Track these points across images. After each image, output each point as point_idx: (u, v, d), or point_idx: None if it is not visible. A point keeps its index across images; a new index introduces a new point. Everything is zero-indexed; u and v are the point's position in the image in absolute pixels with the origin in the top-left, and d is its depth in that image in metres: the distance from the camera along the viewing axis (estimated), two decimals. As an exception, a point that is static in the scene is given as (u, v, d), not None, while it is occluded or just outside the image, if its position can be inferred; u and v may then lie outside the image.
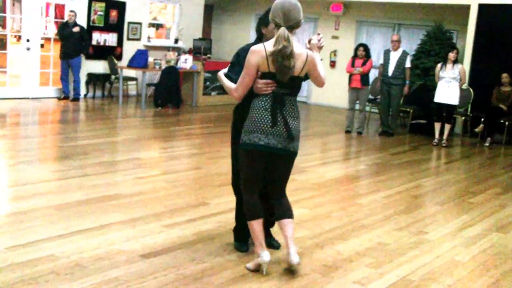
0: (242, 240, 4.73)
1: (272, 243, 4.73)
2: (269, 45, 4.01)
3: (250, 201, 4.22)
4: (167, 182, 6.72)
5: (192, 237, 4.91)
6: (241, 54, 4.32)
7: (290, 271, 4.27)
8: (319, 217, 5.75)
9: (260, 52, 4.02)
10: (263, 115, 4.06)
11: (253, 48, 4.06)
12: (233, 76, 4.28)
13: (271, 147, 4.07)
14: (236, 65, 4.33)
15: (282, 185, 4.36)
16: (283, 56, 3.95)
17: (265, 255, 4.17)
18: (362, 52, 11.01)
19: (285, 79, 4.05)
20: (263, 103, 4.08)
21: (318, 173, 7.71)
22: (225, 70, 4.42)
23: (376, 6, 14.23)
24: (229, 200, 6.05)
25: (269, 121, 4.05)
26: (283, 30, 3.97)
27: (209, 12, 16.53)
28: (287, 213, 4.29)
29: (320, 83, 4.31)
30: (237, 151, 4.30)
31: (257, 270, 4.25)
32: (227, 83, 4.25)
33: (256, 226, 4.19)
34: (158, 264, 4.27)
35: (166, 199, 5.97)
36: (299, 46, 4.09)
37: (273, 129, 4.06)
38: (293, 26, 4.04)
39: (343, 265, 4.53)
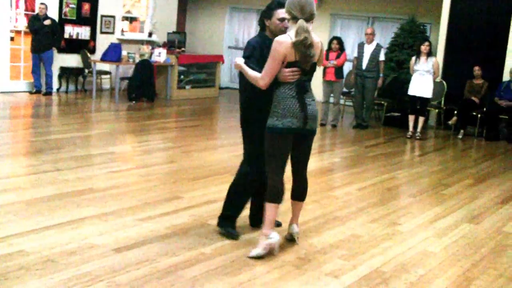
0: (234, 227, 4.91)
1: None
2: (293, 36, 4.28)
3: (278, 185, 4.49)
4: (140, 176, 6.68)
5: (165, 230, 4.89)
6: (256, 46, 4.56)
7: (292, 240, 4.79)
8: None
9: (287, 43, 4.29)
10: (292, 102, 4.38)
11: (279, 39, 4.30)
12: (254, 66, 4.47)
13: (302, 129, 4.43)
14: (253, 57, 4.53)
15: (307, 164, 4.75)
16: (304, 45, 4.28)
17: (276, 235, 4.49)
18: (336, 45, 11.05)
19: (307, 67, 4.41)
20: (289, 91, 4.39)
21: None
22: (240, 58, 4.55)
23: (351, 0, 14.28)
24: (203, 193, 6.07)
25: (298, 107, 4.38)
26: (302, 22, 4.27)
27: (183, 5, 16.43)
28: (304, 196, 4.78)
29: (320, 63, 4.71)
30: (261, 136, 4.51)
31: (268, 253, 4.46)
32: (251, 72, 4.44)
33: (274, 209, 4.49)
34: (131, 257, 4.24)
35: (140, 193, 5.94)
36: (314, 35, 4.43)
37: (302, 113, 4.40)
38: (308, 18, 4.33)
39: (316, 257, 4.55)
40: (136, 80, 12.34)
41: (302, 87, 4.43)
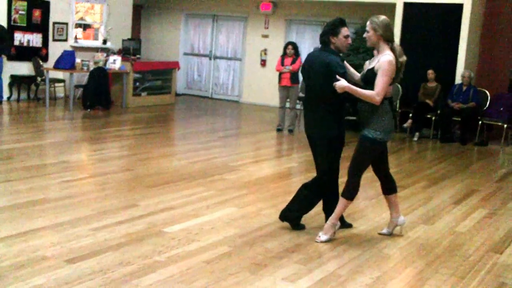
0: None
1: (346, 224, 5.48)
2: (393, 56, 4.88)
3: (358, 185, 5.05)
4: (95, 184, 6.58)
5: (120, 239, 4.82)
6: (343, 64, 5.07)
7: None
8: (249, 215, 5.75)
9: (395, 62, 4.86)
10: (390, 116, 5.01)
11: (392, 59, 4.84)
12: (358, 83, 5.04)
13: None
14: (346, 74, 5.08)
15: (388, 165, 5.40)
16: (403, 65, 4.97)
17: (339, 224, 5.21)
18: (291, 50, 11.09)
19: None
20: (387, 106, 4.95)
21: (249, 172, 7.71)
22: (344, 81, 4.87)
23: (304, 5, 14.39)
24: (158, 201, 6.01)
25: (392, 120, 5.06)
26: (397, 45, 4.98)
27: (138, 12, 16.32)
28: (396, 188, 5.42)
29: None
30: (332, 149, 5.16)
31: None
32: (363, 91, 4.86)
33: (347, 205, 5.12)
34: (84, 268, 4.17)
35: (95, 202, 5.85)
36: None
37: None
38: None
39: (272, 262, 4.54)
40: (91, 88, 12.17)
41: (391, 102, 5.04)
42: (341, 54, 5.17)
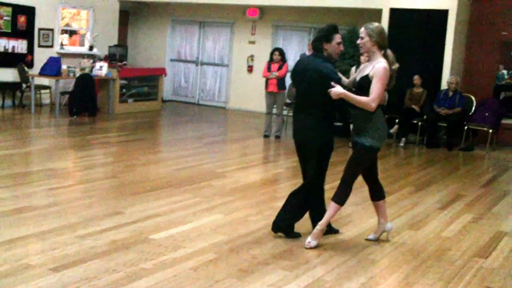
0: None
1: (333, 229, 5.49)
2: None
3: (351, 191, 5.10)
4: (81, 192, 6.55)
5: (106, 247, 4.79)
6: (336, 71, 5.11)
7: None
8: (235, 221, 5.74)
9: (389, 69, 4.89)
10: (385, 123, 5.07)
11: (386, 66, 4.86)
12: (353, 90, 5.03)
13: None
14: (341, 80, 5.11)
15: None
16: (396, 72, 4.99)
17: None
18: (278, 57, 11.11)
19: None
20: (381, 113, 4.98)
21: (236, 178, 7.70)
22: (339, 87, 4.88)
23: (291, 11, 14.41)
24: (145, 208, 5.98)
25: (386, 127, 5.11)
26: (391, 52, 5.00)
27: (124, 18, 16.28)
28: (384, 194, 5.45)
29: None
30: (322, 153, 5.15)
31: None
32: (359, 97, 4.86)
33: (338, 210, 5.13)
34: (70, 276, 4.13)
35: (80, 209, 5.81)
36: None
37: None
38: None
39: (258, 269, 4.53)
40: (77, 94, 12.11)
41: (383, 109, 5.05)
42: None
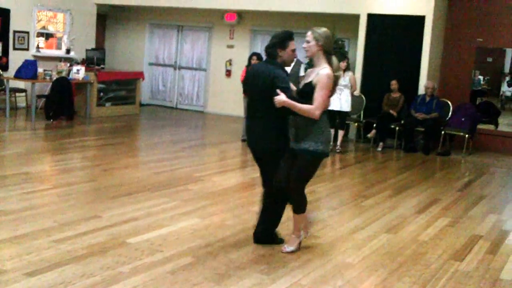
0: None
1: (278, 239, 5.32)
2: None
3: (305, 197, 5.07)
4: (58, 196, 6.48)
5: (82, 251, 4.75)
6: (287, 78, 4.97)
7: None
8: (212, 225, 5.72)
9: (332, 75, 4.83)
10: (329, 128, 4.99)
11: (330, 72, 4.80)
12: (297, 98, 4.87)
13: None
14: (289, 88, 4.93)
15: None
16: (338, 79, 4.92)
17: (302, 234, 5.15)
18: (256, 61, 11.10)
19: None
20: (326, 118, 4.89)
21: (213, 182, 7.68)
22: (283, 95, 4.76)
23: (269, 15, 14.44)
24: (122, 212, 5.94)
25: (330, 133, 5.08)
26: (336, 59, 4.93)
27: (102, 22, 16.18)
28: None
29: None
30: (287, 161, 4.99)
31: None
32: (302, 106, 4.78)
33: (305, 216, 5.09)
34: (44, 281, 4.09)
35: (56, 213, 5.75)
36: None
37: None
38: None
39: (236, 273, 4.52)
40: (53, 98, 11.99)
41: (326, 113, 4.93)
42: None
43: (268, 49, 5.09)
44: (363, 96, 12.07)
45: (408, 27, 11.86)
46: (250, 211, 6.38)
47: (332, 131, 10.94)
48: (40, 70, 12.04)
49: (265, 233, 5.26)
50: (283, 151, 5.03)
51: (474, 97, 13.24)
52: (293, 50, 5.05)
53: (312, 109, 4.74)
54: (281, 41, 5.01)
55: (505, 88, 14.56)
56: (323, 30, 4.93)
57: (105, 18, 16.52)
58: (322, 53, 4.88)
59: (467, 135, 11.27)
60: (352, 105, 10.98)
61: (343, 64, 10.69)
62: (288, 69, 11.11)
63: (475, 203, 7.59)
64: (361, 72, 12.23)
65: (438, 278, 4.76)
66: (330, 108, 10.62)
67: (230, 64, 15.14)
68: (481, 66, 13.74)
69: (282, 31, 5.13)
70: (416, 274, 4.81)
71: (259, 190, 7.48)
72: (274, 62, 5.04)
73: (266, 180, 5.20)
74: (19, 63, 12.21)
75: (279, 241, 5.27)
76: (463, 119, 11.47)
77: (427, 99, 11.42)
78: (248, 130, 5.27)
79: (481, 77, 14.65)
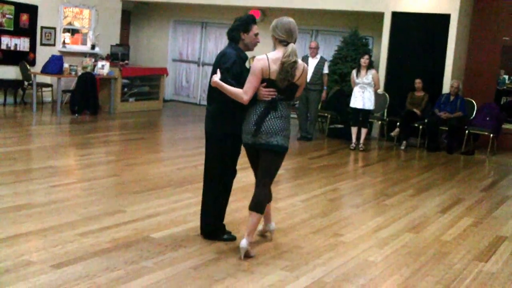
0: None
1: (230, 236, 5.20)
2: (272, 56, 4.65)
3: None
4: (82, 190, 6.55)
5: (106, 244, 4.80)
6: (237, 60, 4.82)
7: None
8: (235, 222, 5.74)
9: (264, 61, 4.63)
10: (253, 118, 4.68)
11: (258, 57, 4.64)
12: (231, 81, 4.72)
13: (253, 143, 4.73)
14: (231, 70, 4.78)
15: (263, 176, 4.88)
16: (292, 67, 4.62)
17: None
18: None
19: (283, 86, 4.65)
20: (259, 108, 4.67)
21: (237, 178, 7.64)
22: (218, 75, 4.73)
23: (293, 13, 14.38)
24: (145, 207, 5.99)
25: (253, 123, 4.67)
26: (293, 46, 4.67)
27: (126, 18, 16.30)
28: (253, 206, 4.80)
29: (300, 92, 5.00)
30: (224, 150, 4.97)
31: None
32: (231, 89, 4.68)
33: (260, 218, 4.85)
34: (70, 273, 4.14)
35: (81, 207, 5.82)
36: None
37: (254, 127, 4.67)
38: (294, 42, 4.74)
39: (258, 269, 4.54)
40: (78, 93, 12.13)
41: (273, 106, 4.68)
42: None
43: (231, 32, 5.00)
44: (386, 94, 12.01)
45: (433, 26, 11.77)
46: (273, 207, 6.37)
47: (355, 129, 10.94)
48: (66, 65, 12.18)
49: (211, 227, 5.15)
50: (232, 137, 4.92)
51: (498, 97, 13.10)
52: (256, 34, 4.95)
53: (240, 92, 4.64)
54: (244, 24, 4.95)
55: (530, 88, 14.41)
56: (279, 20, 4.79)
57: (130, 15, 16.63)
58: (278, 43, 4.74)
59: (491, 135, 11.16)
60: (376, 103, 10.93)
61: (364, 62, 10.65)
62: (312, 65, 11.19)
63: (499, 203, 7.52)
64: (385, 70, 12.18)
65: (462, 279, 4.73)
66: (353, 106, 10.79)
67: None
68: (507, 65, 13.61)
69: (246, 15, 5.08)
70: (439, 274, 4.78)
71: (281, 187, 7.54)
72: (234, 46, 4.95)
73: (207, 168, 5.11)
74: (46, 59, 12.37)
75: (232, 237, 5.18)
76: (487, 118, 11.36)
77: (452, 98, 11.33)
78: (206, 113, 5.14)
79: (506, 76, 14.51)
